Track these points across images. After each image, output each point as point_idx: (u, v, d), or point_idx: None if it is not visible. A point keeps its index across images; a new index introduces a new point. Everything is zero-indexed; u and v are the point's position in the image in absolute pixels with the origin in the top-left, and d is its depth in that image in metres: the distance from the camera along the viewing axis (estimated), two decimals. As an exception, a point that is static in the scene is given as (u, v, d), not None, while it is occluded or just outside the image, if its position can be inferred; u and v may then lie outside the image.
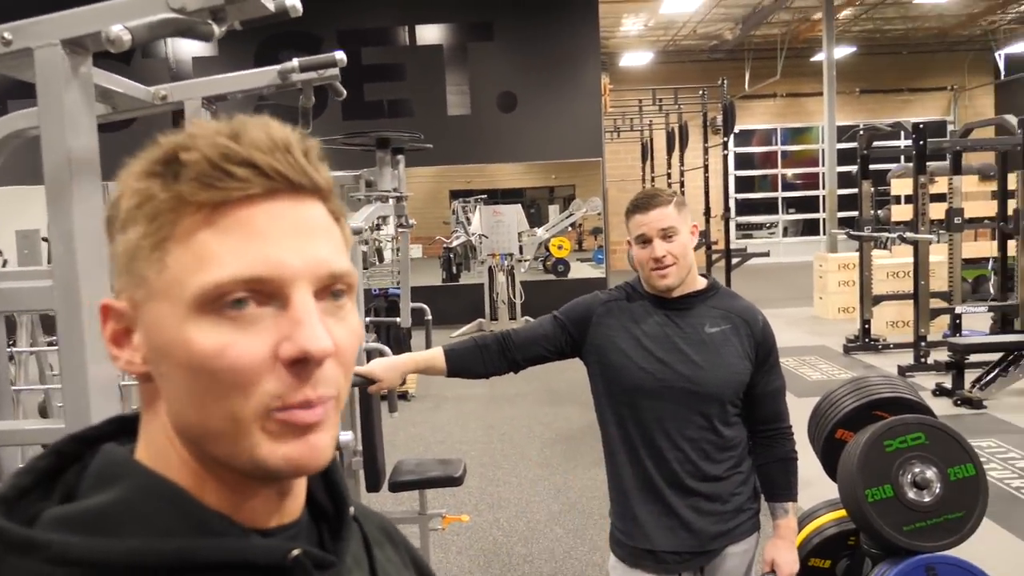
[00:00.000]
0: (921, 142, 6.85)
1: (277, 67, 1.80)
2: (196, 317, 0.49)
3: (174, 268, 0.50)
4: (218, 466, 0.52)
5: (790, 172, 19.04)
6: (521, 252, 10.24)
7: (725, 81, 10.32)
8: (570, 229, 13.32)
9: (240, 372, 0.49)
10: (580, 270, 14.51)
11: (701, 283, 1.87)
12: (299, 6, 1.33)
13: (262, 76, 1.84)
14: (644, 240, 1.78)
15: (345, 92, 2.09)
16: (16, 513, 0.49)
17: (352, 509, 0.61)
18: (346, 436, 2.34)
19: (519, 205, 11.07)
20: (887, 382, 2.76)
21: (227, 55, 9.20)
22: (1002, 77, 17.35)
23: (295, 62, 1.80)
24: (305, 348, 0.49)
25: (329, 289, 0.52)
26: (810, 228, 18.83)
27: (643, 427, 1.81)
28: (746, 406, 1.85)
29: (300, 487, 0.57)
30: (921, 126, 6.99)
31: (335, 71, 1.85)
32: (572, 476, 4.75)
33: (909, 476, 2.38)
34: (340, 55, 1.81)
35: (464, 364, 1.89)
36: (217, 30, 1.18)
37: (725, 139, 10.80)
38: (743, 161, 18.66)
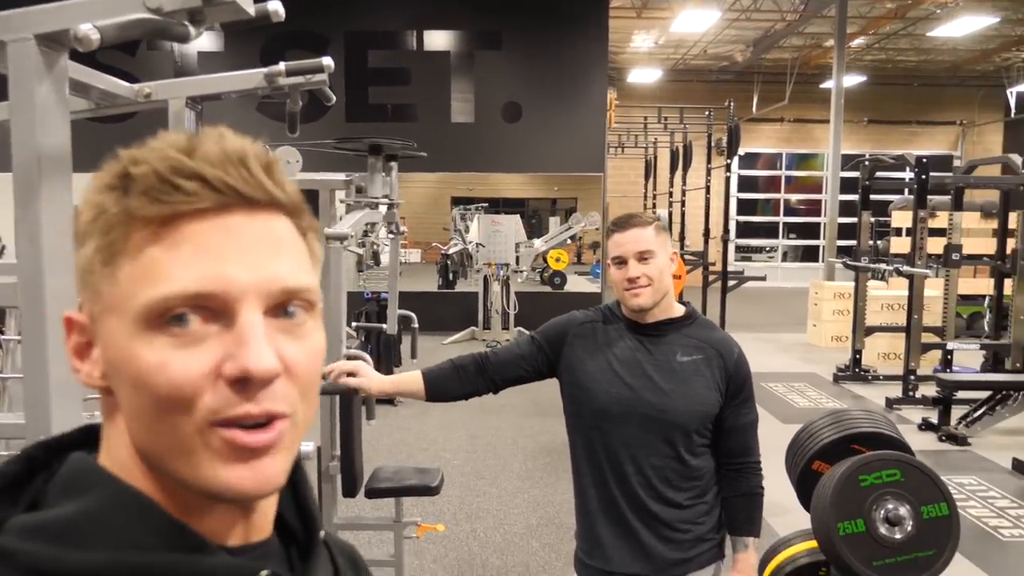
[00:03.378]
0: (923, 176, 6.85)
1: (264, 70, 1.80)
2: (142, 332, 0.49)
3: (124, 283, 0.49)
4: (174, 482, 0.51)
5: (793, 197, 19.07)
6: (517, 263, 10.23)
7: (732, 103, 10.35)
8: (569, 242, 13.32)
9: (179, 388, 0.48)
10: (576, 284, 14.50)
11: (679, 311, 1.86)
12: (282, 11, 1.33)
13: (248, 79, 1.84)
14: (620, 260, 1.78)
15: (334, 98, 2.09)
16: None
17: (323, 532, 0.61)
18: (306, 447, 2.32)
19: (518, 216, 11.08)
20: (867, 416, 2.74)
21: (233, 51, 9.21)
22: (1012, 115, 17.39)
23: (281, 66, 1.79)
24: (246, 367, 0.48)
25: (283, 306, 0.51)
26: (809, 254, 18.85)
27: (609, 450, 1.80)
28: (715, 438, 1.84)
29: (267, 505, 0.56)
30: (924, 160, 7.00)
31: (323, 76, 1.85)
32: (552, 490, 4.73)
33: (882, 512, 2.36)
34: (328, 61, 1.81)
35: (442, 387, 1.90)
36: (194, 32, 1.17)
37: (728, 161, 10.83)
38: (747, 184, 18.69)
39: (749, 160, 18.49)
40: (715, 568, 1.89)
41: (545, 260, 13.55)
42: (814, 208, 18.67)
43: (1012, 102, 17.29)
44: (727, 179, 10.90)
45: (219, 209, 0.49)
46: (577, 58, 10.08)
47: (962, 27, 12.85)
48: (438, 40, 10.16)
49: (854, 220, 9.13)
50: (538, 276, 14.10)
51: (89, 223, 0.51)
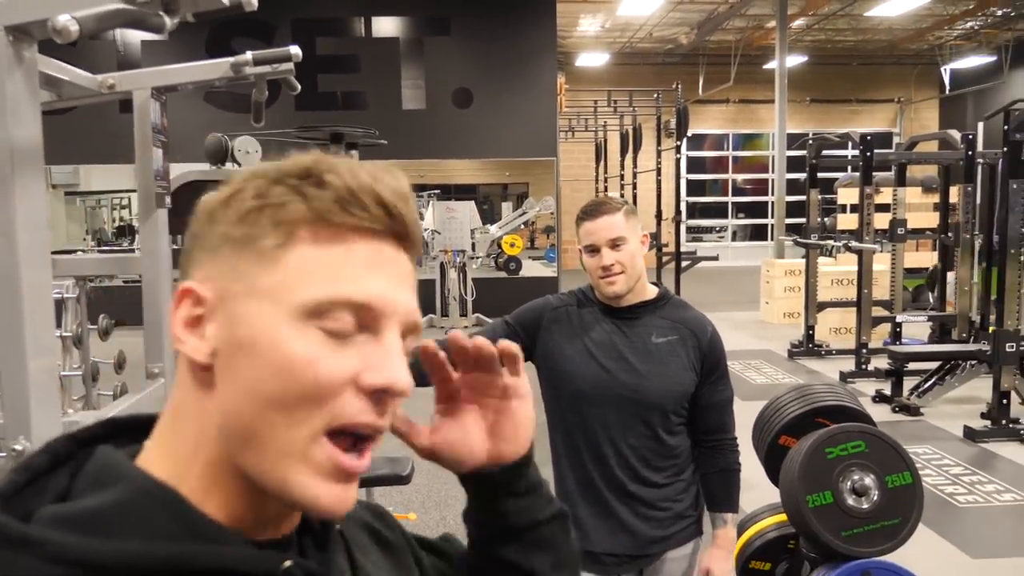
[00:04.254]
0: (868, 153, 7.02)
1: (230, 59, 1.76)
2: (297, 324, 0.51)
3: (288, 273, 0.52)
4: (241, 475, 0.52)
5: (740, 177, 19.37)
6: (474, 249, 10.22)
7: (680, 85, 10.45)
8: (523, 227, 13.33)
9: (322, 387, 0.50)
10: (532, 268, 14.53)
11: (652, 292, 1.88)
12: (255, 1, 1.30)
13: (214, 68, 1.79)
14: (592, 249, 1.79)
15: (299, 87, 2.05)
16: (12, 509, 0.49)
17: (338, 524, 0.62)
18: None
19: (472, 202, 11.05)
20: (830, 390, 2.82)
21: (177, 41, 8.91)
22: (947, 92, 17.91)
23: (249, 55, 1.76)
24: (393, 380, 0.52)
25: (406, 335, 0.56)
26: (758, 233, 19.18)
27: (587, 433, 1.82)
28: (692, 416, 1.87)
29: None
30: (868, 137, 7.17)
31: (290, 65, 1.82)
32: (520, 476, 4.75)
33: (849, 483, 2.43)
34: (295, 50, 1.78)
35: (418, 371, 1.87)
36: (169, 22, 1.14)
37: (678, 143, 10.95)
38: (695, 165, 18.92)
39: (696, 141, 18.70)
40: (694, 545, 1.93)
41: (500, 246, 13.55)
42: (761, 187, 19.00)
43: (947, 79, 17.80)
44: (677, 161, 11.02)
45: (381, 234, 0.54)
46: (526, 43, 10.07)
47: (897, 6, 13.16)
48: (386, 27, 10.05)
49: (801, 198, 9.34)
50: (493, 262, 14.09)
51: (254, 209, 0.53)
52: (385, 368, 0.52)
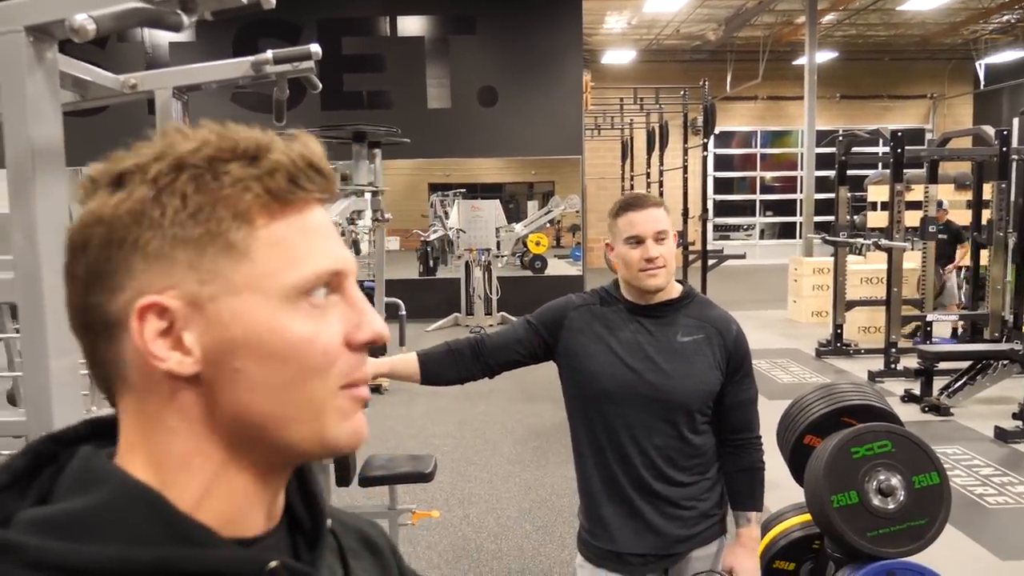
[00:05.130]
0: (899, 150, 6.91)
1: (251, 58, 1.77)
2: (287, 307, 0.52)
3: (261, 261, 0.51)
4: (244, 470, 0.53)
5: (768, 175, 19.18)
6: (498, 247, 10.22)
7: (707, 82, 10.37)
8: (548, 225, 13.31)
9: (327, 356, 0.53)
10: (557, 267, 14.52)
11: (676, 290, 1.86)
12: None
13: (235, 67, 1.81)
14: (637, 240, 1.77)
15: (320, 85, 2.06)
16: None
17: (329, 521, 0.61)
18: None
19: (497, 200, 11.05)
20: (856, 389, 2.78)
21: (205, 42, 9.08)
22: (982, 87, 17.58)
23: (269, 54, 1.77)
24: (378, 331, 0.56)
25: None
26: (786, 231, 18.98)
27: (611, 432, 1.81)
28: (716, 415, 1.85)
29: (282, 490, 0.58)
30: (899, 134, 7.06)
31: (310, 63, 1.83)
32: (543, 473, 4.75)
33: (875, 483, 2.40)
34: (315, 48, 1.79)
35: (438, 371, 1.88)
36: (186, 20, 1.15)
37: (705, 140, 10.86)
38: (722, 163, 18.76)
39: (724, 139, 18.55)
40: (719, 544, 1.91)
41: (525, 244, 13.54)
42: (789, 185, 18.80)
43: (981, 74, 17.47)
44: (704, 159, 10.94)
45: (319, 200, 0.55)
46: (551, 41, 10.05)
47: (931, 0, 12.95)
48: (412, 26, 10.08)
49: (830, 196, 9.22)
50: (518, 261, 14.09)
51: (206, 202, 0.50)
52: (369, 323, 0.55)
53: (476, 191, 16.59)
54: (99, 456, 0.52)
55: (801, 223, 14.67)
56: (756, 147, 18.90)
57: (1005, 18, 15.11)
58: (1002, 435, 5.17)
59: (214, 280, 0.51)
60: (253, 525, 0.55)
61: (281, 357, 0.51)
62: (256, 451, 0.54)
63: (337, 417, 0.54)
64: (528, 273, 13.42)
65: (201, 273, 0.50)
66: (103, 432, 0.56)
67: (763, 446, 1.93)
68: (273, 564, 0.51)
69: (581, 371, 1.84)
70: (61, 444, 0.54)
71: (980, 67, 17.36)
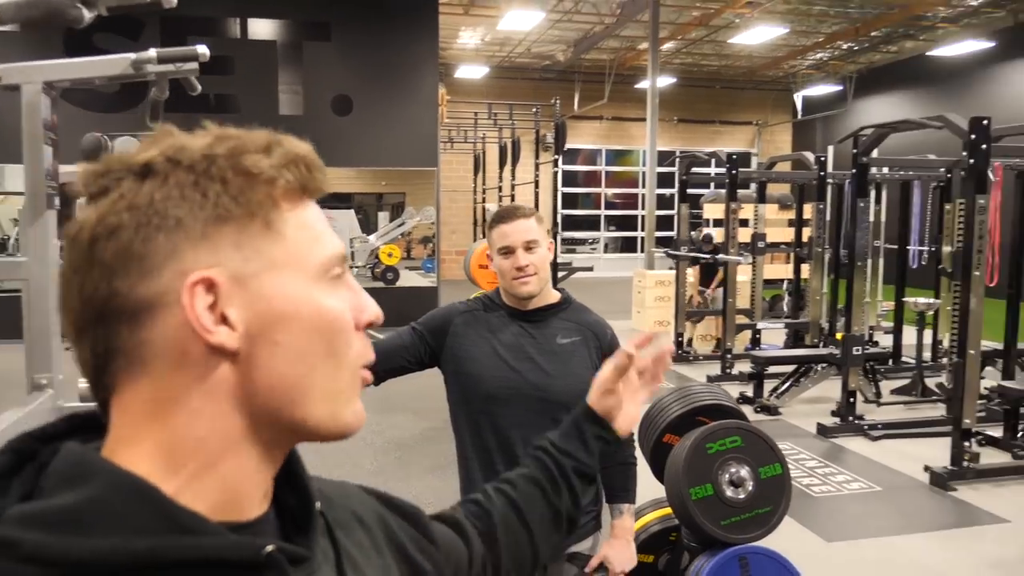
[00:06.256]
0: (734, 171, 7.47)
1: (132, 56, 1.71)
2: (319, 284, 0.56)
3: (294, 242, 0.55)
4: (259, 448, 0.55)
5: (611, 191, 20.03)
6: (353, 258, 10.09)
7: (558, 101, 10.74)
8: (400, 237, 13.27)
9: (350, 331, 0.58)
10: (409, 279, 14.45)
11: (555, 296, 1.97)
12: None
13: (113, 64, 1.73)
14: (508, 250, 1.86)
15: (200, 88, 2.01)
16: None
17: (318, 504, 0.62)
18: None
19: (352, 211, 10.90)
20: (708, 390, 3.00)
21: (29, 34, 8.38)
22: (799, 116, 19.27)
23: (152, 52, 1.71)
24: (379, 313, 0.60)
25: None
26: (628, 246, 19.88)
27: (499, 433, 1.88)
28: None
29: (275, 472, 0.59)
30: (735, 157, 7.63)
31: (195, 65, 1.79)
32: (406, 484, 4.75)
33: (727, 475, 2.61)
34: (203, 49, 1.75)
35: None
36: (87, 15, 1.13)
37: (556, 156, 11.22)
38: (568, 179, 19.41)
39: (570, 156, 19.19)
40: (594, 538, 2.02)
41: (377, 256, 13.41)
42: (631, 201, 19.72)
43: (799, 105, 19.17)
44: (555, 174, 11.30)
45: (316, 196, 0.59)
46: (408, 52, 10.06)
47: (757, 36, 14.09)
48: (263, 29, 9.79)
49: (668, 212, 9.80)
50: (370, 272, 13.94)
51: (246, 184, 0.54)
52: (371, 305, 0.60)
53: (326, 200, 16.23)
54: (87, 451, 0.52)
55: (643, 238, 15.43)
56: (601, 165, 19.70)
57: (819, 56, 16.67)
58: (823, 431, 5.70)
59: (257, 257, 0.54)
60: (252, 508, 0.56)
61: (318, 329, 0.55)
62: (274, 430, 0.55)
63: (351, 396, 0.58)
64: (380, 284, 13.27)
65: (245, 251, 0.53)
66: (83, 427, 0.56)
67: (635, 442, 2.07)
68: (269, 548, 0.52)
69: (466, 374, 1.90)
70: (40, 441, 0.54)
71: (798, 99, 19.05)
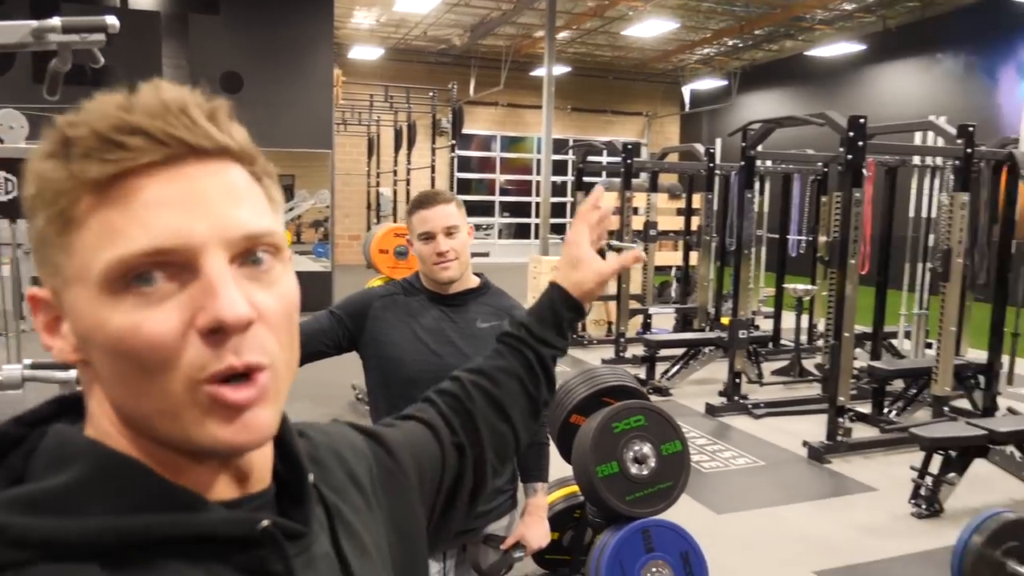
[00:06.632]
0: (629, 160, 7.68)
1: (34, 23, 1.62)
2: (108, 298, 0.48)
3: (81, 251, 0.48)
4: (162, 444, 0.51)
5: (505, 178, 20.18)
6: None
7: (455, 86, 10.71)
8: (290, 222, 12.92)
9: (158, 348, 0.47)
10: (301, 263, 14.07)
11: (475, 281, 2.00)
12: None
13: (12, 31, 1.64)
14: (428, 236, 1.87)
15: (103, 60, 1.92)
16: None
17: (311, 476, 0.60)
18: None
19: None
20: (613, 372, 3.11)
21: None
22: (687, 109, 19.95)
23: (57, 21, 1.63)
24: (219, 317, 0.47)
25: (249, 253, 0.51)
26: (522, 232, 20.09)
27: None
28: None
29: (260, 456, 0.56)
30: (630, 146, 7.84)
31: (101, 37, 1.71)
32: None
33: (631, 453, 2.72)
34: (112, 20, 1.68)
35: None
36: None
37: (453, 141, 11.21)
38: (463, 164, 19.40)
39: (464, 141, 19.15)
40: (510, 517, 2.08)
41: (268, 239, 12.99)
42: (524, 188, 19.91)
43: (687, 97, 19.85)
44: (452, 159, 11.29)
45: (168, 162, 0.48)
46: (301, 29, 9.79)
47: (648, 29, 14.48)
48: (146, -2, 9.30)
49: (561, 200, 9.98)
50: (260, 255, 13.49)
51: (34, 196, 0.49)
52: (210, 306, 0.48)
53: (210, 181, 15.60)
54: (74, 432, 0.52)
55: (538, 224, 15.63)
56: (496, 151, 19.79)
57: (706, 51, 17.29)
58: (712, 410, 5.99)
59: (60, 273, 0.50)
60: (219, 492, 0.53)
61: (112, 350, 0.48)
62: (155, 440, 0.51)
63: (199, 415, 0.49)
64: (271, 269, 12.89)
65: (54, 267, 0.50)
66: (71, 410, 0.55)
67: (546, 424, 2.13)
68: (265, 523, 0.51)
69: (387, 358, 1.90)
70: (27, 426, 0.53)
71: (686, 92, 19.72)
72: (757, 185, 7.98)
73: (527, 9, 13.30)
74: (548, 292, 1.01)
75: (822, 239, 7.32)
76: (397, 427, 0.83)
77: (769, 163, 8.32)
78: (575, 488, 2.98)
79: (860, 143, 4.70)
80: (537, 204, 17.10)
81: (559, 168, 15.68)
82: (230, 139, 0.51)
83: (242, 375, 0.49)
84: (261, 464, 0.56)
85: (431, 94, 12.13)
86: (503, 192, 20.10)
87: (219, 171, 0.50)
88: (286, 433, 0.60)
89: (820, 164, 7.91)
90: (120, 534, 0.47)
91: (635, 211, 8.40)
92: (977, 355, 5.93)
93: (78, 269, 0.48)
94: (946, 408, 5.23)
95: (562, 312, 0.98)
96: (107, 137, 0.47)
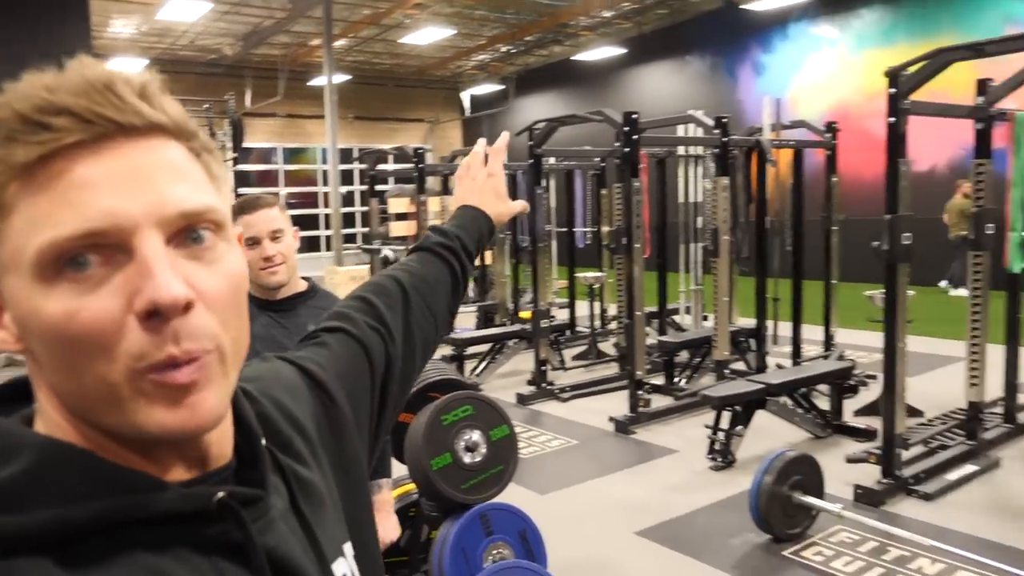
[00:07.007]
0: (421, 166, 7.78)
1: None
2: (41, 284, 0.46)
3: (12, 237, 0.47)
4: (108, 431, 0.49)
5: (289, 191, 19.58)
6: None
7: (232, 97, 10.27)
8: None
9: (95, 335, 0.46)
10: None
11: (303, 285, 1.99)
12: None
13: None
14: (254, 241, 1.84)
15: None
16: None
17: (263, 440, 0.59)
18: None
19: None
20: (435, 368, 3.19)
21: None
22: (467, 114, 20.44)
23: None
24: (153, 299, 0.46)
25: (187, 231, 0.49)
26: (311, 245, 19.59)
27: None
28: None
29: (220, 433, 0.55)
30: (422, 152, 7.95)
31: None
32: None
33: (463, 442, 2.81)
34: None
35: None
36: None
37: (234, 155, 10.73)
38: (241, 179, 18.56)
39: (242, 154, 18.35)
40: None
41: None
42: (310, 200, 19.42)
43: (467, 103, 20.35)
44: (235, 174, 10.81)
45: (97, 142, 0.47)
46: (56, 40, 8.93)
47: (425, 36, 14.69)
48: None
49: (349, 209, 9.90)
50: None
51: None
52: (145, 289, 0.46)
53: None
54: (11, 423, 0.50)
55: (329, 236, 15.33)
56: (278, 163, 19.15)
57: (482, 57, 17.84)
58: (522, 399, 6.24)
59: None
60: (176, 473, 0.52)
61: (48, 338, 0.47)
62: (102, 430, 0.50)
63: (143, 403, 0.47)
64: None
65: None
66: (15, 397, 0.53)
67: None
68: (220, 495, 0.51)
69: None
70: None
71: (465, 97, 20.22)
72: (543, 182, 8.41)
73: (301, 17, 13.03)
74: (475, 217, 1.04)
75: (605, 229, 7.87)
76: (328, 348, 0.80)
77: (552, 160, 8.78)
78: (408, 487, 3.02)
79: (635, 136, 5.12)
80: (327, 216, 16.75)
81: (345, 178, 15.46)
82: (163, 115, 0.50)
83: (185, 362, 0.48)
84: (219, 440, 0.55)
85: (206, 106, 11.53)
86: (288, 206, 19.45)
87: (152, 148, 0.49)
88: (238, 404, 0.58)
89: (598, 159, 8.47)
90: (72, 525, 0.46)
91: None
92: (746, 322, 6.65)
93: (11, 256, 0.47)
94: (726, 371, 5.83)
95: (485, 237, 1.04)
96: (31, 118, 0.46)
